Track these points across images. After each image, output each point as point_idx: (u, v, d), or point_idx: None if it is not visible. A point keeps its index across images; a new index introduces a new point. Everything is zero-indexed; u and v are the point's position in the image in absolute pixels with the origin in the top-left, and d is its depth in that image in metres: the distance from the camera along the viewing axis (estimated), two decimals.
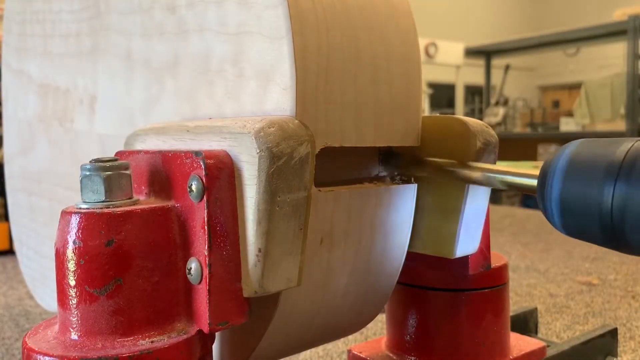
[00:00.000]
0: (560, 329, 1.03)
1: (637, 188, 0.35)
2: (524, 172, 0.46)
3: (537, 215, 2.60)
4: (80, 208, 0.41)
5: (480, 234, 0.55)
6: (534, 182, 0.44)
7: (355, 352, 0.66)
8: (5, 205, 1.76)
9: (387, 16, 0.50)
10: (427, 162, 0.52)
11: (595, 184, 0.37)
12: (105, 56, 0.66)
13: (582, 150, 0.39)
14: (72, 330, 0.40)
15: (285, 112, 0.43)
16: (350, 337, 0.98)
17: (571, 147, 0.40)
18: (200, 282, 0.41)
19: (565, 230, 0.41)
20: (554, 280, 1.40)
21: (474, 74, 5.47)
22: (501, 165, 0.49)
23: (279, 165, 0.39)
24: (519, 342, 0.66)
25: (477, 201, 0.54)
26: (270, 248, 0.40)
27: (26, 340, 0.41)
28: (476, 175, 0.49)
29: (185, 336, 0.41)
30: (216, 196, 0.40)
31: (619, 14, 3.71)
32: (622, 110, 3.69)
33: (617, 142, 0.38)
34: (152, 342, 0.39)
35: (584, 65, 6.57)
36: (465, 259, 0.56)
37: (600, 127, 3.89)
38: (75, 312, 0.40)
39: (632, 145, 0.37)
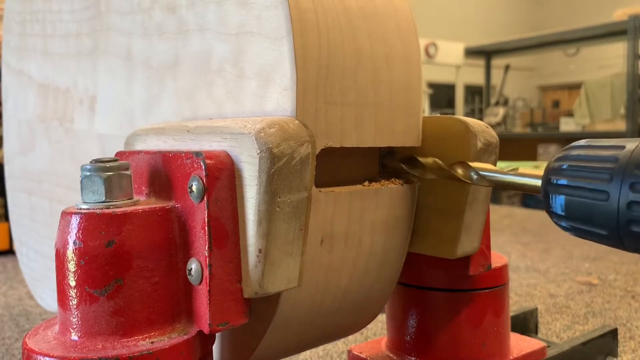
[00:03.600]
0: (560, 329, 1.03)
1: None
2: (526, 173, 0.46)
3: (537, 215, 2.60)
4: (80, 208, 0.41)
5: (481, 234, 0.55)
6: (535, 182, 0.44)
7: (355, 352, 0.66)
8: (5, 205, 1.76)
9: (387, 16, 0.50)
10: (427, 162, 0.52)
11: (601, 185, 0.37)
12: (106, 56, 0.66)
13: (587, 151, 0.39)
14: (72, 330, 0.40)
15: (286, 113, 0.43)
16: (350, 337, 0.98)
17: (576, 147, 0.41)
18: (200, 283, 0.41)
19: (571, 231, 0.41)
20: (554, 280, 1.40)
21: (474, 74, 5.47)
22: (502, 166, 0.49)
23: (280, 165, 0.39)
24: (519, 343, 0.66)
25: (477, 201, 0.53)
26: (270, 249, 0.40)
27: (26, 340, 0.41)
28: (478, 175, 0.49)
29: (185, 337, 0.40)
30: (216, 197, 0.40)
31: (619, 14, 3.72)
32: (622, 110, 3.69)
33: (621, 142, 0.38)
34: (152, 342, 0.39)
35: (584, 65, 6.57)
36: (465, 260, 0.56)
37: (600, 127, 3.89)
38: (76, 313, 0.40)
39: (637, 145, 0.37)
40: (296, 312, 0.48)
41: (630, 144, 0.37)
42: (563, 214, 0.40)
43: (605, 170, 0.37)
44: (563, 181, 0.40)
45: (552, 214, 0.42)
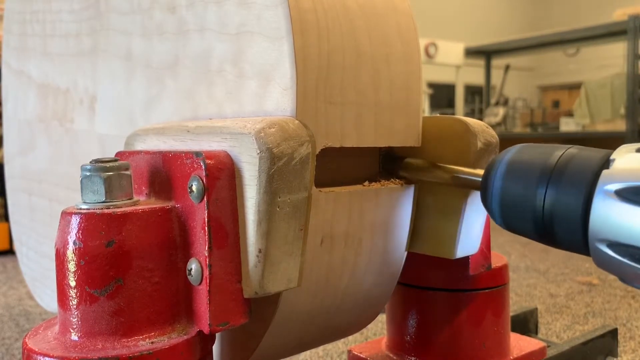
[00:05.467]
0: (560, 329, 1.03)
1: (565, 189, 0.39)
2: (466, 170, 0.49)
3: None
4: (80, 208, 0.41)
5: (481, 235, 0.55)
6: (476, 180, 0.48)
7: (355, 353, 0.66)
8: (5, 205, 1.76)
9: (387, 16, 0.50)
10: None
11: (530, 186, 0.41)
12: (105, 56, 0.66)
13: (521, 155, 0.43)
14: (72, 330, 0.40)
15: (286, 113, 0.43)
16: (350, 337, 0.98)
17: (512, 151, 0.44)
18: (200, 283, 0.41)
19: (505, 225, 0.45)
20: (554, 280, 1.40)
21: (474, 74, 5.46)
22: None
23: (280, 165, 0.39)
24: (519, 343, 0.66)
25: (477, 201, 0.53)
26: (270, 249, 0.40)
27: (26, 341, 0.41)
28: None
29: (185, 337, 0.40)
30: (216, 197, 0.40)
31: (619, 14, 3.71)
32: (622, 110, 3.68)
33: (552, 148, 0.43)
34: (152, 342, 0.39)
35: (584, 65, 6.57)
36: (465, 260, 0.56)
37: (600, 127, 3.88)
38: (76, 313, 0.40)
39: (564, 152, 0.41)
40: (296, 312, 0.48)
41: (558, 151, 0.41)
42: (498, 210, 0.44)
43: (535, 173, 0.41)
44: (498, 182, 0.44)
45: (489, 210, 0.46)
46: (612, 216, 0.36)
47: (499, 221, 0.45)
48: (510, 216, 0.43)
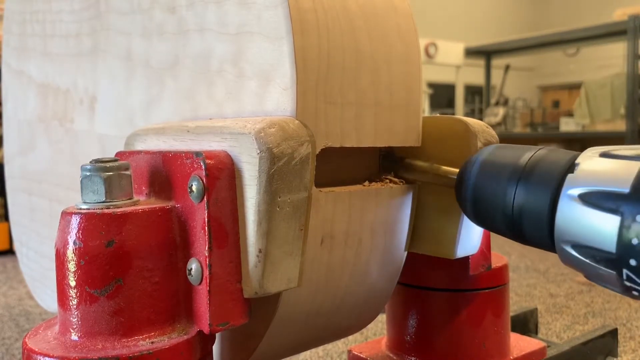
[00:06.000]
0: (560, 329, 1.03)
1: (533, 191, 0.41)
2: (443, 168, 0.51)
3: None
4: (80, 208, 0.41)
5: (481, 235, 0.55)
6: (452, 177, 0.49)
7: (355, 352, 0.66)
8: (5, 205, 1.76)
9: (387, 16, 0.50)
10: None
11: (501, 185, 0.44)
12: (106, 56, 0.66)
13: (494, 156, 0.46)
14: (72, 330, 0.40)
15: (286, 113, 0.43)
16: (350, 337, 0.98)
17: (485, 151, 0.47)
18: (200, 283, 0.41)
19: (477, 222, 0.47)
20: (554, 280, 1.40)
21: (474, 74, 5.46)
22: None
23: (280, 165, 0.39)
24: (519, 343, 0.66)
25: None
26: (270, 249, 0.40)
27: (26, 341, 0.41)
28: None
29: (185, 337, 0.40)
30: (216, 197, 0.40)
31: (619, 14, 3.71)
32: (622, 110, 3.68)
33: (523, 149, 0.45)
34: (152, 342, 0.39)
35: (584, 65, 6.57)
36: (465, 260, 0.56)
37: (600, 127, 3.88)
38: (76, 313, 0.40)
39: (534, 153, 0.43)
40: (296, 312, 0.48)
41: (529, 152, 0.43)
42: (471, 207, 0.46)
43: (506, 173, 0.43)
44: (472, 180, 0.46)
45: (463, 207, 0.48)
46: (575, 219, 0.38)
47: (473, 218, 0.47)
48: (482, 214, 0.46)
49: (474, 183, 0.46)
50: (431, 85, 5.36)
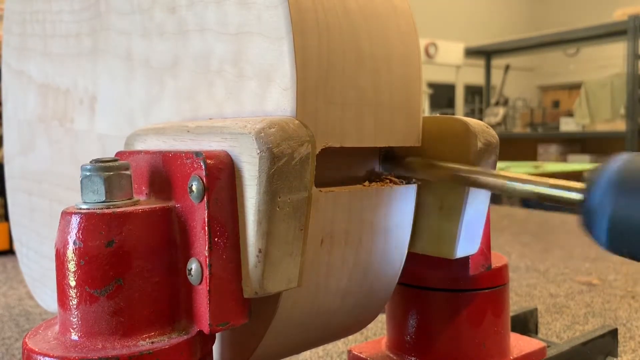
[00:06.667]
0: (560, 329, 1.03)
1: None
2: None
3: (537, 215, 2.60)
4: (80, 208, 0.41)
5: (481, 235, 0.55)
6: (574, 196, 0.41)
7: (355, 353, 0.66)
8: (5, 206, 1.76)
9: (387, 16, 0.50)
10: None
11: None
12: (106, 56, 0.66)
13: (636, 166, 0.36)
14: (72, 330, 0.40)
15: (286, 113, 0.43)
16: (350, 337, 0.98)
17: (621, 161, 0.37)
18: (200, 283, 0.41)
19: (614, 250, 0.38)
20: (554, 280, 1.40)
21: (474, 74, 5.47)
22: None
23: (280, 165, 0.39)
24: (519, 343, 0.66)
25: (477, 201, 0.53)
26: (270, 249, 0.40)
27: (26, 341, 0.41)
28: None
29: (185, 337, 0.40)
30: (216, 197, 0.40)
31: (619, 14, 3.72)
32: (622, 110, 3.69)
33: None
34: (152, 342, 0.39)
35: (584, 65, 6.57)
36: (465, 260, 0.56)
37: (600, 127, 3.89)
38: (76, 313, 0.40)
39: None
40: (296, 312, 0.48)
41: None
42: (606, 231, 0.37)
43: None
44: (610, 198, 0.36)
45: (592, 231, 0.38)
46: None
47: (606, 244, 0.38)
48: (625, 239, 0.36)
49: (613, 205, 0.36)
50: (431, 85, 5.36)
